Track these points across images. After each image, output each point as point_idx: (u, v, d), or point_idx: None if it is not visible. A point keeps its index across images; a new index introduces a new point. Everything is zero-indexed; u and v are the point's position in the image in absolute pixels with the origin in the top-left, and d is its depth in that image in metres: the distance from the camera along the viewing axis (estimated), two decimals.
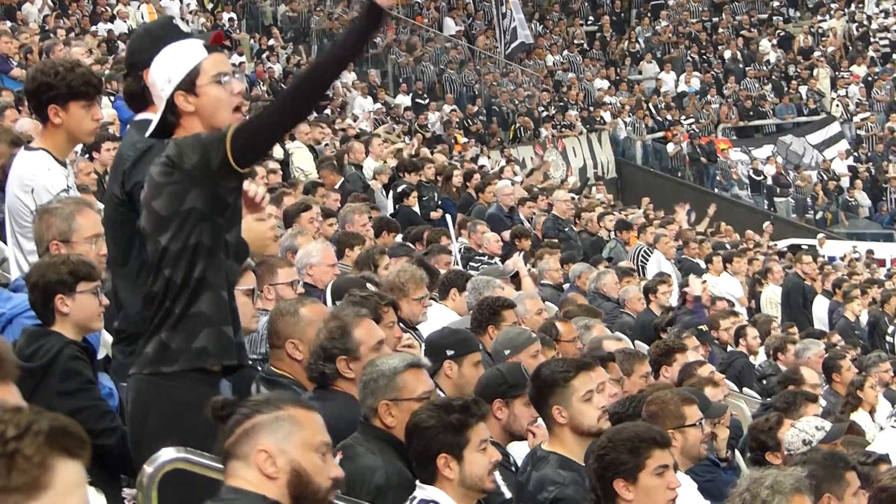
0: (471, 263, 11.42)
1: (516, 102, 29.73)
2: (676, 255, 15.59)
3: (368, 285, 6.74)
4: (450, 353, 5.78)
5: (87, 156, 10.19)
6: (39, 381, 4.25)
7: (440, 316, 7.68)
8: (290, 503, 3.26)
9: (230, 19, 27.36)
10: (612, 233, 16.54)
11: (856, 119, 33.26)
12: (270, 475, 3.23)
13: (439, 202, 14.76)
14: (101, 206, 5.56)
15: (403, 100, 27.40)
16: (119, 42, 20.45)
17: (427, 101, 27.64)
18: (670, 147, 30.98)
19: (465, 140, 26.03)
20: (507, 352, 6.34)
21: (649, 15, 36.31)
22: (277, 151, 14.75)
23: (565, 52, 34.06)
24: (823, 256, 22.30)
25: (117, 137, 10.10)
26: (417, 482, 4.23)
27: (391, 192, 14.30)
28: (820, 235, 25.63)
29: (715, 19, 36.55)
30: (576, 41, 34.90)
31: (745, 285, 15.42)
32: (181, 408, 3.84)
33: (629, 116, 31.45)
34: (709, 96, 33.11)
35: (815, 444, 6.12)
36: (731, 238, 22.33)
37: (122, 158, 4.57)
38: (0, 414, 1.96)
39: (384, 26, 4.06)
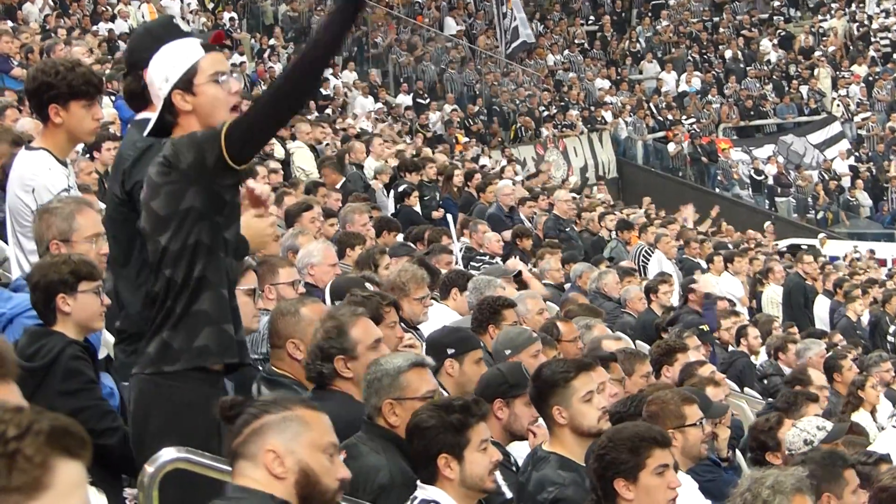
0: (472, 263, 11.42)
1: (517, 102, 29.73)
2: (678, 255, 15.58)
3: (368, 285, 6.74)
4: (450, 351, 5.78)
5: (87, 155, 10.20)
6: (41, 380, 4.26)
7: (441, 316, 7.68)
8: (297, 503, 3.26)
9: (231, 19, 27.36)
10: (614, 232, 16.55)
11: (857, 119, 33.26)
12: (278, 475, 3.24)
13: (440, 202, 14.76)
14: (102, 205, 5.57)
15: (404, 99, 27.40)
16: (120, 42, 20.45)
17: (428, 100, 27.64)
18: (671, 147, 30.97)
19: (466, 140, 26.03)
20: (507, 351, 6.33)
21: (650, 14, 36.31)
22: (279, 151, 14.76)
23: (566, 52, 34.07)
24: (825, 256, 22.30)
25: (118, 137, 10.10)
26: (418, 482, 4.23)
27: (392, 191, 14.30)
28: (821, 235, 25.64)
29: (716, 19, 36.56)
30: (577, 41, 34.91)
31: (746, 285, 15.42)
32: (183, 407, 3.85)
33: (630, 116, 31.45)
34: (710, 96, 33.11)
35: (817, 443, 6.12)
36: (733, 238, 22.32)
37: (122, 158, 4.57)
38: (1, 414, 1.96)
39: (362, 9, 4.01)
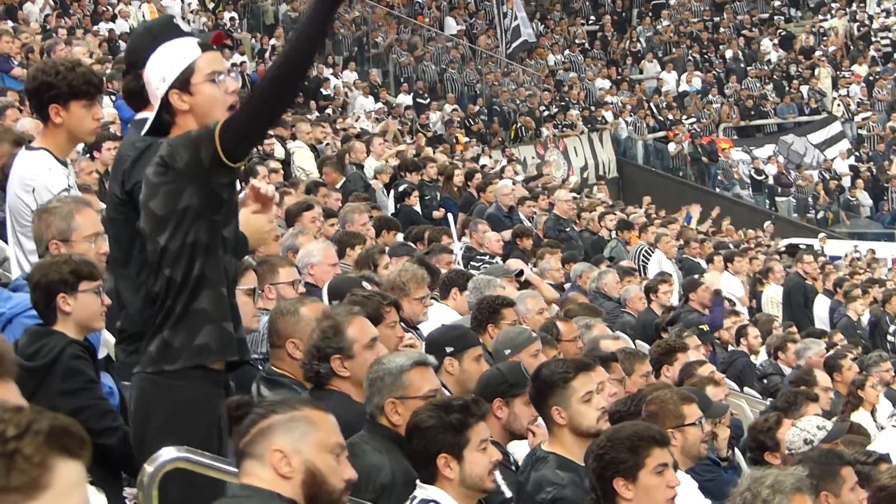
0: (472, 263, 11.42)
1: (517, 102, 29.73)
2: (678, 255, 15.58)
3: (366, 284, 6.74)
4: (449, 349, 5.78)
5: (88, 155, 10.20)
6: (41, 380, 4.26)
7: (441, 315, 7.68)
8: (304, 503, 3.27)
9: (231, 19, 27.36)
10: (614, 232, 16.54)
11: (857, 118, 33.27)
12: (285, 475, 3.25)
13: (441, 202, 14.76)
14: (102, 205, 5.57)
15: (405, 99, 27.39)
16: (120, 41, 20.44)
17: (428, 100, 27.64)
18: (672, 147, 30.97)
19: (467, 139, 26.03)
20: (507, 351, 6.34)
21: (650, 14, 36.32)
22: (279, 151, 14.77)
23: (566, 52, 34.08)
24: (825, 256, 22.30)
25: (118, 137, 10.10)
26: (418, 482, 4.23)
27: (392, 191, 14.31)
28: (821, 235, 25.64)
29: (716, 19, 36.57)
30: (577, 41, 34.92)
31: (746, 285, 15.42)
32: (183, 406, 3.85)
33: (630, 116, 31.46)
34: (710, 96, 33.12)
35: (817, 443, 6.13)
36: (733, 238, 22.32)
37: (121, 158, 4.57)
38: (0, 413, 1.96)
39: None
